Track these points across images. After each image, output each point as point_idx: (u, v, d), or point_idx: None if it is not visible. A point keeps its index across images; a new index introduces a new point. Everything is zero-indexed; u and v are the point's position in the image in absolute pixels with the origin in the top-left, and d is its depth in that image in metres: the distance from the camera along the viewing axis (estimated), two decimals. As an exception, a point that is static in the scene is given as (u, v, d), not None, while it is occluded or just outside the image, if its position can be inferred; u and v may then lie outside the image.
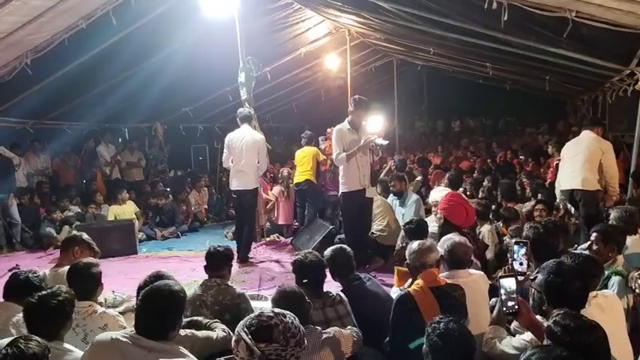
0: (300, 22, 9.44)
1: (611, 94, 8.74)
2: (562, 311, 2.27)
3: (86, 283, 3.22)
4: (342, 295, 3.43)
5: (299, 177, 8.62)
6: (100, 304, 3.41)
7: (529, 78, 11.17)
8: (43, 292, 2.80)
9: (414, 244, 3.48)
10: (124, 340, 2.40)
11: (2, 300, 3.39)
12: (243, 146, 6.80)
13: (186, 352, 2.45)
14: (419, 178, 9.25)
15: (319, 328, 2.86)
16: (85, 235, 4.27)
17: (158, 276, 2.96)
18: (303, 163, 8.66)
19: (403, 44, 10.80)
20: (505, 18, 5.31)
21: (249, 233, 7.10)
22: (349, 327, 3.12)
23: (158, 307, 2.47)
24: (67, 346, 2.71)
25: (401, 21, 7.40)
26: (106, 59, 7.89)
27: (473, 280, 3.57)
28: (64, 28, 6.83)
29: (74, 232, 4.29)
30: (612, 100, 8.90)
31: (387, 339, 3.30)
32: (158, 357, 2.33)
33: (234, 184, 6.92)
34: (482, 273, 3.92)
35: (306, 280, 3.34)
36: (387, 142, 6.15)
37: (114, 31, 7.16)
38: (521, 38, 6.46)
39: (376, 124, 6.05)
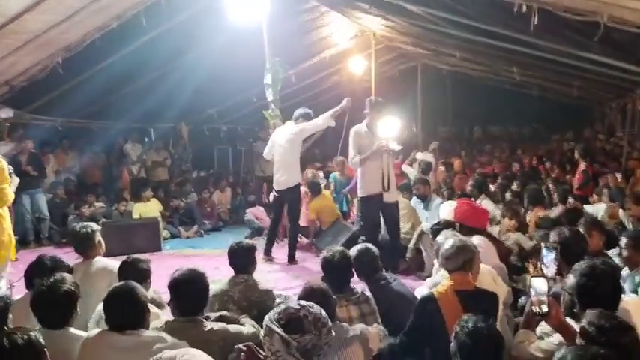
0: (326, 25, 9.49)
1: (640, 101, 8.61)
2: (596, 311, 2.24)
3: (136, 278, 3.29)
4: (368, 292, 3.42)
5: None
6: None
7: (556, 84, 11.05)
8: (51, 280, 2.85)
9: (448, 242, 3.42)
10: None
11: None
12: (284, 142, 6.73)
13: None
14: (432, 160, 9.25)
15: (345, 324, 2.86)
16: (94, 226, 4.28)
17: (190, 271, 3.01)
18: None
19: (428, 48, 10.77)
20: (535, 22, 5.27)
21: (292, 232, 7.06)
22: (375, 324, 3.12)
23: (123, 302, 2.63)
24: (76, 332, 2.77)
25: (428, 24, 7.38)
26: (136, 60, 8.03)
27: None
28: (96, 28, 6.96)
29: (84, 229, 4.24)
30: (642, 107, 8.76)
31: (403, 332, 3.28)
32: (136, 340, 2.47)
33: (275, 182, 6.89)
34: (490, 268, 3.87)
35: (331, 277, 3.35)
36: (400, 147, 5.92)
37: (144, 32, 7.28)
38: (551, 42, 6.40)
39: (390, 128, 5.89)
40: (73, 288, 2.84)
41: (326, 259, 3.49)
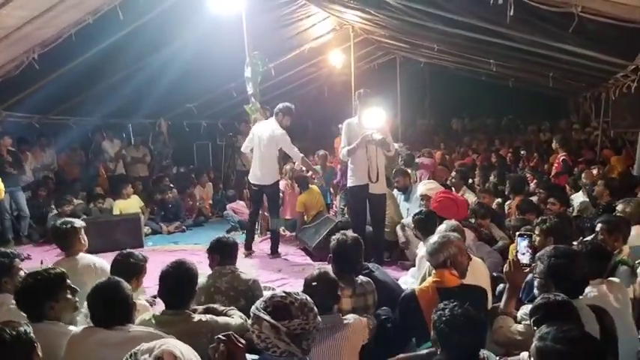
0: (305, 19, 9.49)
1: (614, 91, 8.77)
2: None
3: (127, 273, 3.30)
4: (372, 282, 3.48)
5: None
6: None
7: (532, 75, 11.20)
8: (32, 271, 2.87)
9: (432, 238, 3.48)
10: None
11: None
12: (266, 138, 6.75)
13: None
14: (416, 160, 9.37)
15: (340, 313, 2.96)
16: (75, 220, 4.26)
17: (180, 263, 3.04)
18: None
19: (407, 41, 10.84)
20: (511, 13, 5.34)
21: (274, 225, 7.12)
22: (365, 315, 3.18)
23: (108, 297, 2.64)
24: (64, 326, 2.77)
25: (406, 17, 7.43)
26: (112, 55, 7.94)
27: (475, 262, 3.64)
28: (71, 23, 6.87)
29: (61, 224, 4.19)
30: (615, 96, 8.93)
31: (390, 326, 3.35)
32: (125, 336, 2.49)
33: (252, 175, 6.96)
34: (480, 260, 4.01)
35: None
36: (381, 136, 5.89)
37: (120, 27, 7.19)
38: (526, 34, 6.49)
39: (375, 119, 5.92)
40: (59, 272, 2.86)
41: (334, 247, 3.56)
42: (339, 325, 2.84)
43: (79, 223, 4.21)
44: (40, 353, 2.29)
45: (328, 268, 3.29)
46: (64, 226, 4.11)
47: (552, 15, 5.43)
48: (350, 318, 2.95)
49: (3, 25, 6.09)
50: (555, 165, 8.55)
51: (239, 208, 9.40)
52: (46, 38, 7.00)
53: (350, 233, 3.72)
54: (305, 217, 8.11)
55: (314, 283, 2.89)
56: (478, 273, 3.77)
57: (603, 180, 6.53)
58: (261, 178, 6.83)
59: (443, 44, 9.62)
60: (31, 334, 2.27)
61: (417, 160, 9.50)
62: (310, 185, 8.43)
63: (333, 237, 3.69)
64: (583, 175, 7.64)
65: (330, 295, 2.90)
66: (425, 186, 6.54)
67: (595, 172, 7.79)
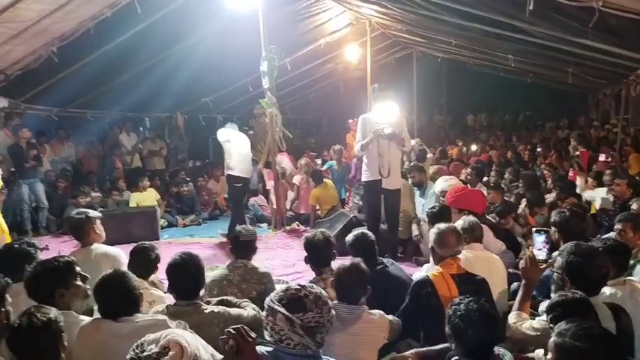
0: (321, 13, 9.48)
1: (635, 87, 8.63)
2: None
3: (143, 265, 3.33)
4: None
5: None
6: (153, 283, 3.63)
7: (551, 70, 11.06)
8: (41, 260, 2.93)
9: (435, 228, 3.49)
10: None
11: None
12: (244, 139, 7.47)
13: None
14: (429, 155, 9.26)
15: (367, 307, 2.99)
16: (90, 211, 4.27)
17: (185, 253, 3.06)
18: None
19: (424, 35, 10.77)
20: (531, 7, 5.27)
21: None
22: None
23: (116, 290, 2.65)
24: (78, 316, 2.80)
25: (424, 11, 7.37)
26: (130, 48, 7.99)
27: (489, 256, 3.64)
28: (90, 17, 6.94)
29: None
30: (636, 93, 8.79)
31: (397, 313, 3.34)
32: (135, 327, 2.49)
33: (240, 171, 7.51)
34: (490, 255, 4.01)
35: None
36: (391, 131, 5.82)
37: (138, 20, 7.24)
38: (546, 29, 6.39)
39: (386, 113, 5.88)
40: (69, 260, 2.90)
41: (308, 240, 3.68)
42: (364, 317, 2.87)
43: (93, 213, 4.23)
44: (65, 343, 2.32)
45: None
46: (79, 216, 4.14)
47: (572, 9, 5.35)
48: (376, 314, 2.97)
49: (22, 19, 6.15)
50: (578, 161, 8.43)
51: (260, 202, 9.46)
52: (65, 32, 7.08)
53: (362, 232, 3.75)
54: (319, 211, 8.13)
55: (345, 273, 2.94)
56: (494, 269, 3.75)
57: (622, 177, 6.41)
58: (247, 171, 7.60)
59: (460, 39, 9.54)
60: (61, 323, 2.31)
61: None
62: (325, 180, 8.43)
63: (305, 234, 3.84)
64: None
65: (360, 286, 2.96)
66: (446, 182, 6.45)
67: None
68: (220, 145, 7.74)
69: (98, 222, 4.16)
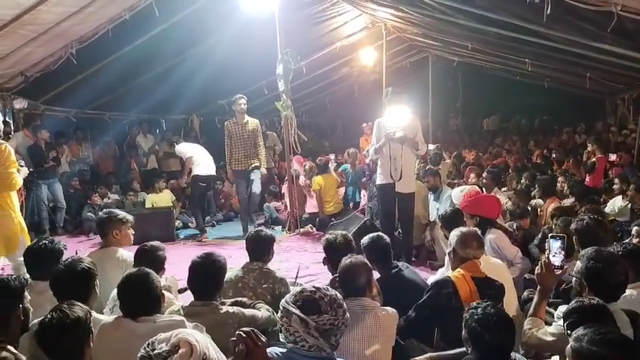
0: (337, 16, 9.49)
1: (654, 92, 8.53)
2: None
3: (151, 265, 3.35)
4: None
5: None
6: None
7: (568, 75, 10.95)
8: (68, 260, 2.96)
9: (457, 231, 3.48)
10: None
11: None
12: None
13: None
14: (447, 160, 9.23)
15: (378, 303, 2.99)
16: (118, 213, 4.16)
17: (209, 254, 3.09)
18: None
19: (440, 39, 10.72)
20: (548, 12, 5.24)
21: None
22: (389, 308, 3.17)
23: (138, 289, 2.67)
24: (96, 315, 2.80)
25: (439, 14, 7.35)
26: (148, 51, 8.08)
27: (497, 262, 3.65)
28: (109, 19, 7.02)
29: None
30: (655, 98, 8.68)
31: (410, 314, 3.33)
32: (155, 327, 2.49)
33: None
34: (500, 263, 4.01)
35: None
36: (402, 134, 5.81)
37: (156, 23, 7.32)
38: (564, 33, 6.35)
39: (398, 116, 5.87)
40: (90, 266, 2.92)
41: (328, 242, 3.68)
42: (372, 309, 2.86)
43: (120, 216, 4.12)
44: (92, 343, 2.35)
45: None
46: (103, 215, 4.18)
47: (591, 14, 5.30)
48: (388, 309, 2.96)
49: (42, 21, 6.25)
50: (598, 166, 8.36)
51: (277, 205, 9.50)
52: (84, 34, 7.17)
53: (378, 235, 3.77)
54: (326, 204, 8.48)
55: (348, 266, 2.96)
56: (502, 277, 3.72)
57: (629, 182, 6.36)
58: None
59: (477, 42, 9.49)
60: (90, 322, 2.34)
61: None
62: (331, 172, 8.85)
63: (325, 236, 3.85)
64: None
65: (363, 278, 2.96)
66: (462, 192, 6.40)
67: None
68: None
69: (121, 225, 4.06)
